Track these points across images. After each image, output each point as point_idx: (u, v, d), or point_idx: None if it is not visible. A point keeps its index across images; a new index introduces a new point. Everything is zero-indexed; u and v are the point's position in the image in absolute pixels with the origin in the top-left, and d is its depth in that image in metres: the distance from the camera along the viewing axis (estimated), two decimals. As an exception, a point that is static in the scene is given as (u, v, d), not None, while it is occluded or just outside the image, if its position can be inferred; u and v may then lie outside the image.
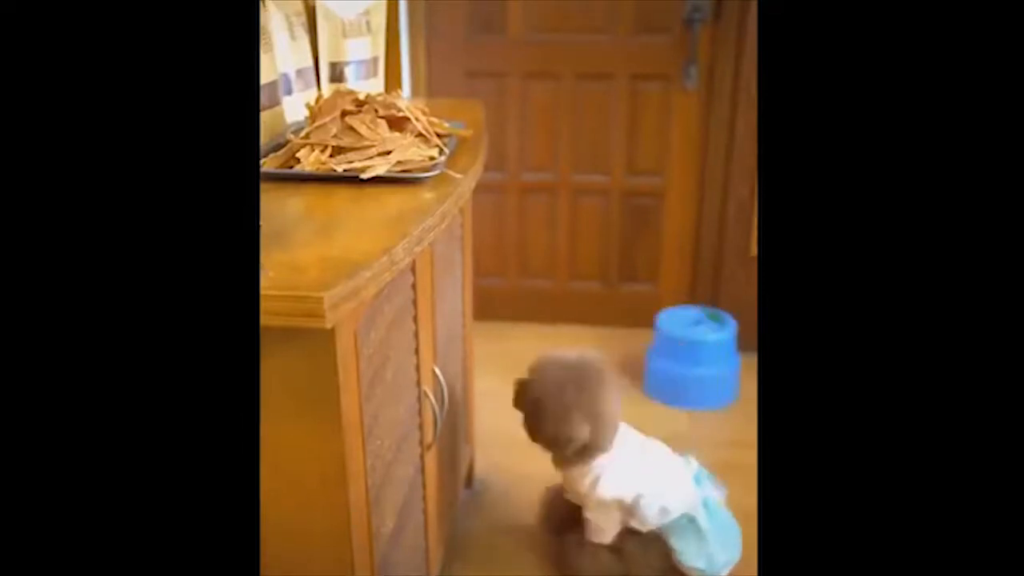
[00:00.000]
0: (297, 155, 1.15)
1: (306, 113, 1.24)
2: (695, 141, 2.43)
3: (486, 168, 1.43)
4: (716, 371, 2.26)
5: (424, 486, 1.29)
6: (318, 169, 1.12)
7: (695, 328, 2.28)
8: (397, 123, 1.21)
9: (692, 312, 2.37)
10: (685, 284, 2.60)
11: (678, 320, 2.31)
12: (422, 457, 1.26)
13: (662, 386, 2.30)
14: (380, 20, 1.57)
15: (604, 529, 1.56)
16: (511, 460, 2.00)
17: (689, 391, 2.26)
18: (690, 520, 1.53)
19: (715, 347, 2.25)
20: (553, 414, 1.48)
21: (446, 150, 1.21)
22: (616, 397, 1.53)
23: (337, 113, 1.18)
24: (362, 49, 1.54)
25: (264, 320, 0.76)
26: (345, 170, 1.11)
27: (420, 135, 1.21)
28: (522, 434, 2.09)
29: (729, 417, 2.22)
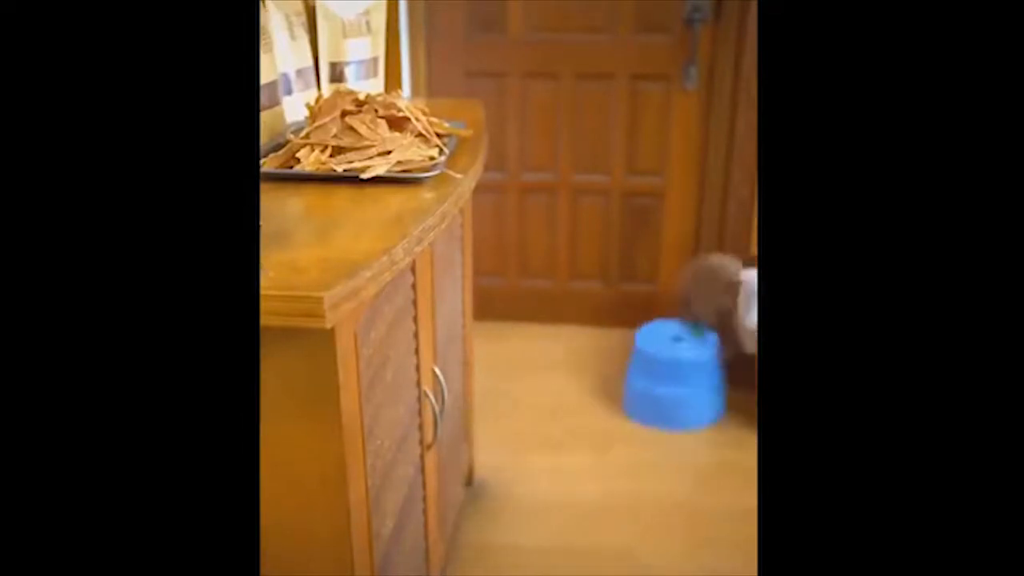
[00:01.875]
0: (297, 155, 1.15)
1: (306, 113, 1.24)
2: (695, 141, 2.43)
3: (486, 168, 1.43)
4: (696, 391, 2.14)
5: (424, 486, 1.29)
6: (318, 169, 1.12)
7: (674, 345, 2.16)
8: (397, 123, 1.21)
9: (673, 327, 2.24)
10: (685, 284, 2.60)
11: (657, 336, 2.20)
12: (422, 457, 1.26)
13: (641, 406, 2.18)
14: (380, 20, 1.57)
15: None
16: (511, 460, 2.00)
17: (669, 411, 2.15)
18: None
19: (695, 366, 2.13)
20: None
21: (446, 150, 1.21)
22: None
23: (337, 113, 1.18)
24: (362, 49, 1.54)
25: (264, 320, 0.76)
26: (345, 170, 1.11)
27: (420, 135, 1.21)
28: (522, 434, 2.10)
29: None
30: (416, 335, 1.19)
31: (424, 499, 1.30)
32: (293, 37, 1.39)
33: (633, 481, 1.93)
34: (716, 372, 2.17)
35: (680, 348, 2.15)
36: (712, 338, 2.17)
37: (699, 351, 2.14)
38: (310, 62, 1.45)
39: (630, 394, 2.22)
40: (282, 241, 0.89)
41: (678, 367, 2.13)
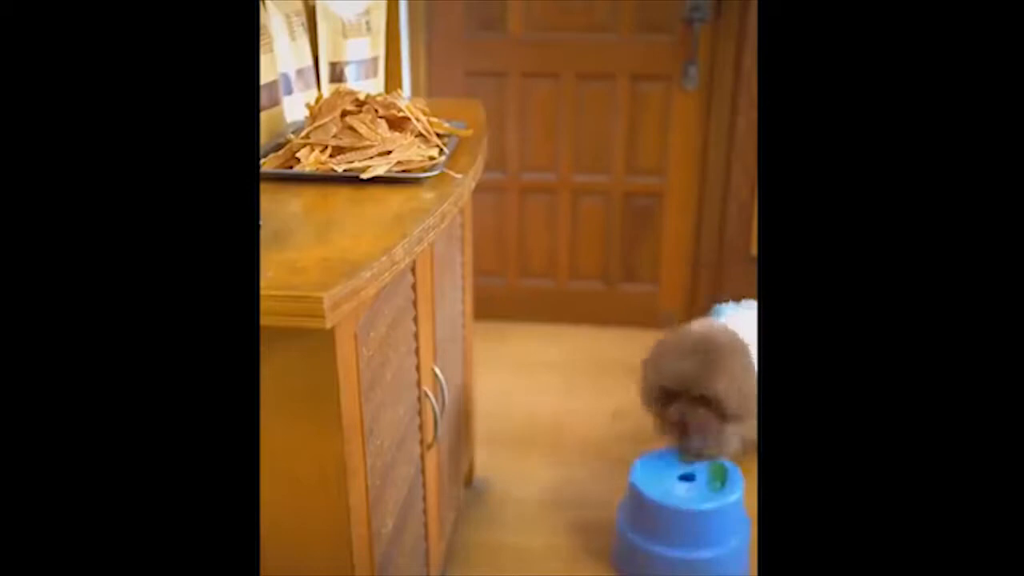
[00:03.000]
0: (297, 155, 1.15)
1: (306, 113, 1.24)
2: (695, 141, 2.43)
3: (486, 168, 1.43)
4: (713, 553, 1.51)
5: (424, 486, 1.29)
6: (318, 169, 1.12)
7: (683, 488, 1.54)
8: (397, 123, 1.21)
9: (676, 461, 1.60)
10: (685, 284, 2.60)
11: (662, 471, 1.57)
12: (422, 457, 1.26)
13: (635, 567, 1.57)
14: (380, 20, 1.57)
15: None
16: (511, 460, 2.00)
17: None
18: None
19: (712, 519, 1.50)
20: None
21: (446, 150, 1.21)
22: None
23: (337, 113, 1.18)
24: (362, 49, 1.54)
25: (264, 320, 0.76)
26: (345, 170, 1.11)
27: (420, 135, 1.21)
28: (522, 434, 2.10)
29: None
30: (416, 335, 1.19)
31: (424, 499, 1.30)
32: (293, 37, 1.39)
33: (633, 481, 1.93)
34: (741, 525, 1.57)
35: (691, 493, 1.52)
36: (737, 477, 1.56)
37: (718, 500, 1.51)
38: (310, 62, 1.45)
39: (620, 550, 1.62)
40: (282, 241, 0.89)
41: (688, 520, 1.50)
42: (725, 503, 1.50)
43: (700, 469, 1.57)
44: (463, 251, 1.61)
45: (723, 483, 1.54)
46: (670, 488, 1.53)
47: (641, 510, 1.53)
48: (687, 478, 1.56)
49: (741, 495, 1.53)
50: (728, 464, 1.58)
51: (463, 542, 1.72)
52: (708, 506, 1.49)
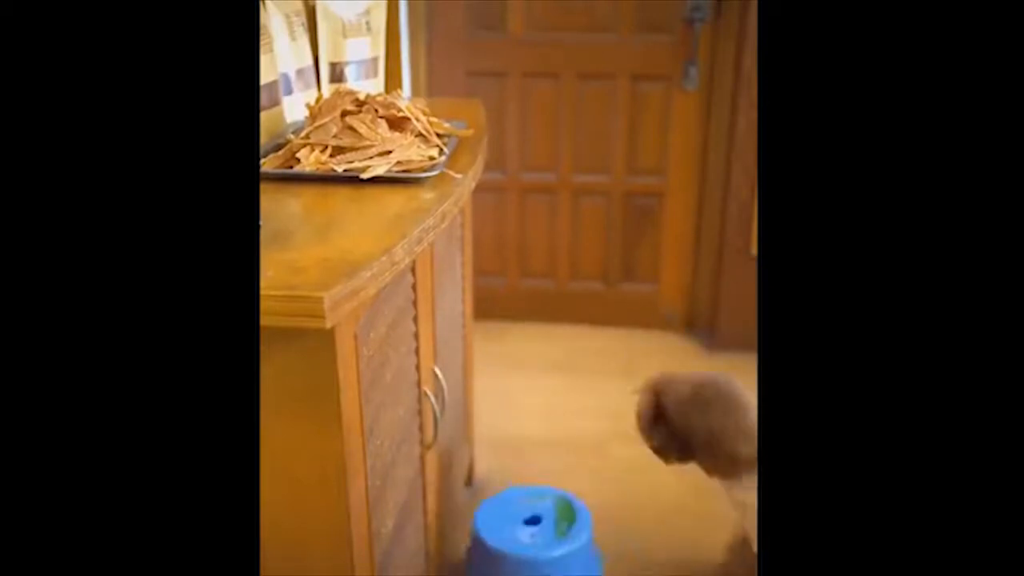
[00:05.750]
0: (297, 155, 1.15)
1: (306, 113, 1.24)
2: (695, 141, 2.43)
3: (486, 168, 1.43)
4: None
5: (424, 486, 1.29)
6: (318, 169, 1.12)
7: (526, 532, 1.45)
8: (397, 123, 1.21)
9: (528, 500, 1.52)
10: (685, 284, 2.60)
11: (506, 515, 1.48)
12: (422, 457, 1.26)
13: None
14: (380, 20, 1.57)
15: None
16: (511, 460, 2.00)
17: None
18: None
19: (561, 566, 1.39)
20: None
21: (446, 150, 1.21)
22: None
23: (337, 113, 1.18)
24: (362, 49, 1.54)
25: (264, 320, 0.76)
26: (345, 170, 1.11)
27: (420, 135, 1.21)
28: (522, 434, 2.10)
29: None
30: (416, 335, 1.19)
31: (424, 499, 1.30)
32: (293, 37, 1.39)
33: (632, 483, 1.93)
34: (590, 567, 1.47)
35: (534, 538, 1.44)
36: (585, 516, 1.48)
37: (561, 547, 1.41)
38: (310, 62, 1.45)
39: None
40: (282, 241, 0.89)
41: (530, 569, 1.39)
42: (573, 548, 1.41)
43: (547, 510, 1.50)
44: (463, 251, 1.61)
45: (571, 523, 1.46)
46: (515, 534, 1.45)
47: (486, 559, 1.43)
48: (533, 522, 1.48)
49: (590, 535, 1.45)
50: (575, 503, 1.50)
51: (463, 542, 1.72)
52: (557, 552, 1.40)
